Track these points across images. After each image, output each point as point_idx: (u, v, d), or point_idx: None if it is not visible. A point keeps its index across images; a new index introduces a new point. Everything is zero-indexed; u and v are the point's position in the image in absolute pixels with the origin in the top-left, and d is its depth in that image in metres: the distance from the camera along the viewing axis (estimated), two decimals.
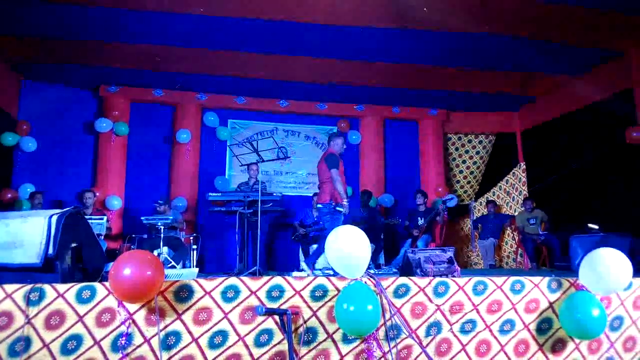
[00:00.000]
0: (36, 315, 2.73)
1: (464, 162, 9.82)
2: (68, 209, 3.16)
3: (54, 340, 2.73)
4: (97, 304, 2.80)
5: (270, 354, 2.95)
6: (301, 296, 3.05)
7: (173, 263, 5.90)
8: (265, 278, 3.05)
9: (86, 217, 5.73)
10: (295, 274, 5.04)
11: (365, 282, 3.11)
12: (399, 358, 3.11)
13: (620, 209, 7.09)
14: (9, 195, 7.22)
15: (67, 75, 7.81)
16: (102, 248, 3.68)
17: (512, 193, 8.99)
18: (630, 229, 5.42)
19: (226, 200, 5.87)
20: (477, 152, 9.77)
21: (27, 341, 2.70)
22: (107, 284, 2.79)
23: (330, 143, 5.58)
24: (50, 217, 3.03)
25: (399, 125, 9.48)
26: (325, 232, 5.01)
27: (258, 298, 2.99)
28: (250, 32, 6.39)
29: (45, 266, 2.95)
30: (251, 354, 2.92)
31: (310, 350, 3.02)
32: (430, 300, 3.24)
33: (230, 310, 2.94)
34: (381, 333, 3.11)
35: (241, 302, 2.96)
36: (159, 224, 6.06)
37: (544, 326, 3.40)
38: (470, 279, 3.34)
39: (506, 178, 9.23)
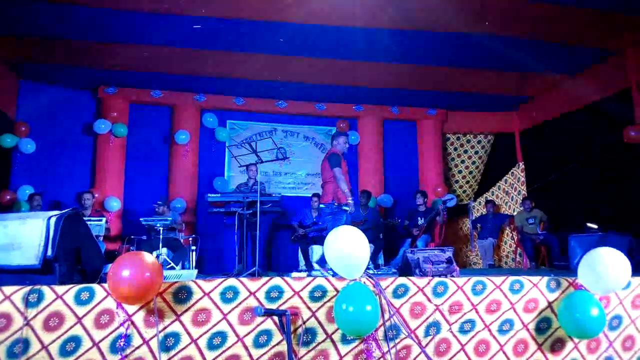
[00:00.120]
0: (35, 316, 2.73)
1: (462, 162, 9.83)
2: (67, 210, 3.16)
3: (52, 341, 2.72)
4: (96, 305, 2.80)
5: (269, 354, 2.95)
6: (300, 297, 3.05)
7: (172, 264, 5.90)
8: (264, 279, 3.05)
9: (85, 218, 5.74)
10: (294, 274, 5.04)
11: (364, 283, 3.11)
12: (398, 358, 3.11)
13: (618, 209, 7.09)
14: (8, 197, 7.21)
15: (66, 76, 7.81)
16: (100, 249, 3.68)
17: (511, 193, 9.00)
18: (629, 228, 5.43)
19: (225, 201, 5.87)
20: (476, 152, 9.78)
21: (26, 343, 2.69)
22: (105, 285, 2.78)
23: (332, 142, 5.58)
24: (49, 218, 3.03)
25: (397, 125, 9.49)
26: (327, 233, 5.00)
27: (257, 299, 2.98)
28: (248, 33, 6.39)
29: (43, 268, 2.95)
30: (250, 355, 2.92)
31: (309, 351, 3.02)
32: (429, 301, 3.24)
33: (230, 311, 2.94)
34: (380, 333, 3.11)
35: (240, 303, 2.96)
36: (158, 225, 6.06)
37: (542, 326, 3.40)
38: (469, 279, 3.34)
39: (505, 178, 9.24)
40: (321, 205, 5.55)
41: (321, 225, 7.30)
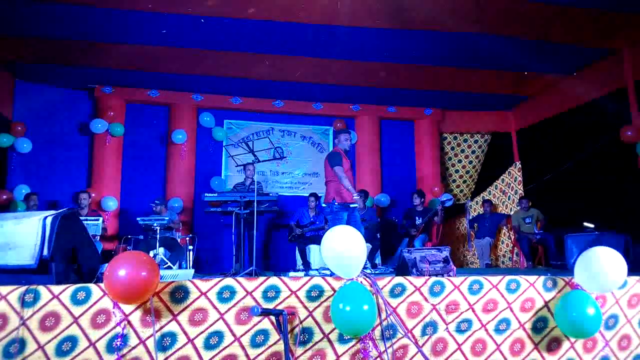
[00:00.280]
0: (31, 316, 2.72)
1: (459, 161, 9.84)
2: (63, 210, 3.15)
3: (49, 341, 2.72)
4: (92, 305, 2.80)
5: (266, 354, 2.95)
6: (297, 296, 3.05)
7: (169, 264, 5.89)
8: (261, 278, 3.05)
9: (81, 218, 5.73)
10: (291, 274, 5.04)
11: (361, 282, 3.11)
12: (394, 358, 3.12)
13: (615, 208, 7.12)
14: (4, 197, 7.18)
15: (63, 75, 7.78)
16: (97, 249, 3.67)
17: (508, 192, 9.02)
18: (625, 227, 5.44)
19: (222, 201, 5.86)
20: (473, 152, 9.79)
21: (22, 343, 2.69)
22: (102, 285, 2.78)
23: (334, 141, 5.59)
24: (45, 218, 3.02)
25: (394, 124, 9.49)
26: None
27: (254, 298, 2.98)
28: (245, 32, 6.38)
29: (40, 267, 2.94)
30: (247, 355, 2.92)
31: (306, 351, 3.02)
32: (426, 300, 3.25)
33: (226, 311, 2.94)
34: (377, 333, 3.11)
35: (237, 302, 2.96)
36: (155, 224, 6.04)
37: (539, 325, 3.41)
38: (465, 279, 3.35)
39: (502, 177, 9.25)
40: (323, 205, 5.55)
41: (318, 224, 7.32)
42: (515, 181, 8.83)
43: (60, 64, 7.32)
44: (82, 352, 2.74)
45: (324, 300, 3.09)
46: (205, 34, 6.43)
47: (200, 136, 8.67)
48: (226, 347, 2.90)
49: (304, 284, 3.08)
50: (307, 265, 6.89)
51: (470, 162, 9.84)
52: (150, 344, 2.80)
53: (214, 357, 2.88)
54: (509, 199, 8.92)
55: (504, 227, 8.69)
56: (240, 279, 3.02)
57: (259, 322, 2.97)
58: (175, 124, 8.40)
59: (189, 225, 8.14)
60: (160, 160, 8.46)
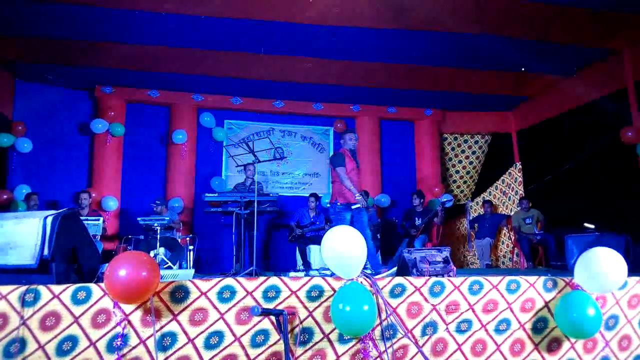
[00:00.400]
0: (31, 316, 2.72)
1: (460, 161, 9.84)
2: (63, 210, 3.15)
3: (49, 341, 2.72)
4: (93, 305, 2.80)
5: (266, 354, 2.95)
6: (297, 296, 3.05)
7: (169, 264, 5.89)
8: (262, 278, 3.05)
9: (82, 218, 5.74)
10: (291, 274, 5.04)
11: (361, 282, 3.11)
12: (395, 358, 3.12)
13: (615, 209, 7.12)
14: (5, 197, 7.19)
15: (63, 75, 7.78)
16: (97, 249, 3.67)
17: (508, 193, 9.02)
18: (626, 228, 5.44)
19: (222, 201, 5.86)
20: (473, 152, 9.80)
21: (22, 342, 2.69)
22: (102, 284, 2.78)
23: (340, 142, 5.60)
24: (46, 218, 3.02)
25: (395, 125, 9.50)
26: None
27: (254, 298, 2.98)
28: (246, 33, 6.39)
29: (40, 267, 2.94)
30: (247, 355, 2.92)
31: (306, 351, 3.02)
32: (426, 300, 3.25)
33: (226, 311, 2.94)
34: (377, 333, 3.11)
35: (237, 302, 2.96)
36: (155, 224, 6.05)
37: (539, 325, 3.41)
38: (466, 279, 3.35)
39: (502, 178, 9.26)
40: (327, 205, 5.55)
41: (318, 225, 7.32)
42: (515, 182, 8.83)
43: (60, 63, 7.33)
44: (82, 351, 2.74)
45: (324, 301, 3.09)
46: (205, 34, 6.44)
47: (200, 136, 8.68)
48: (226, 347, 2.90)
49: (304, 284, 3.08)
50: (307, 266, 6.90)
51: (471, 163, 9.84)
52: (151, 343, 2.81)
53: (214, 357, 2.88)
54: (509, 200, 8.92)
55: (504, 228, 8.69)
56: (240, 279, 3.02)
57: (259, 322, 2.97)
58: (176, 124, 8.41)
59: (190, 225, 8.14)
60: (161, 161, 8.47)
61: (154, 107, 8.55)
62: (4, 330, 2.68)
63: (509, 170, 9.11)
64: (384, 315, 3.13)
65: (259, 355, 2.94)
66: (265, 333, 2.97)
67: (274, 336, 2.98)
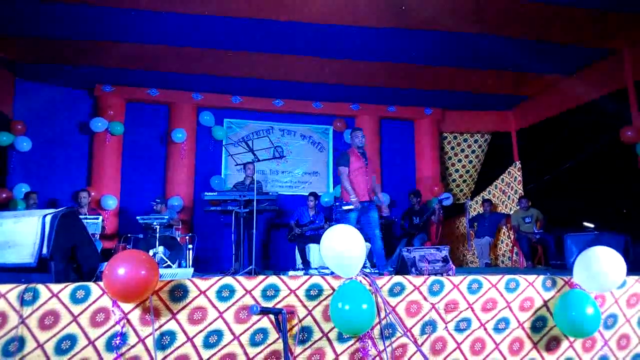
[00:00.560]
0: (30, 315, 2.72)
1: (459, 160, 9.84)
2: (62, 208, 3.15)
3: (48, 340, 2.72)
4: (92, 303, 2.80)
5: (265, 353, 2.95)
6: (296, 295, 3.06)
7: (168, 262, 5.89)
8: (260, 277, 3.05)
9: (81, 216, 5.73)
10: (291, 273, 5.05)
11: (360, 281, 3.11)
12: (394, 357, 3.12)
13: (614, 208, 7.13)
14: (4, 195, 7.19)
15: (62, 74, 7.78)
16: (96, 248, 3.67)
17: (507, 192, 9.02)
18: (625, 227, 5.45)
19: (222, 200, 5.86)
20: (473, 151, 9.80)
21: (21, 341, 2.69)
22: (101, 283, 2.78)
23: (349, 141, 5.59)
24: (45, 217, 3.02)
25: (394, 124, 9.49)
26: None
27: (253, 297, 2.99)
28: (245, 32, 6.38)
29: (39, 266, 2.94)
30: (246, 353, 2.92)
31: (305, 349, 3.02)
32: (425, 299, 3.25)
33: (225, 310, 2.94)
34: (376, 332, 3.11)
35: (236, 301, 2.96)
36: (155, 223, 6.05)
37: (538, 324, 3.41)
38: (465, 278, 3.35)
39: (502, 177, 9.26)
40: (335, 204, 5.54)
41: (318, 224, 7.32)
42: (515, 181, 8.83)
43: (60, 63, 7.32)
44: (81, 350, 2.74)
45: (323, 299, 3.09)
46: (205, 33, 6.43)
47: (200, 135, 8.68)
48: (225, 345, 2.91)
49: (303, 283, 3.08)
50: (306, 264, 6.90)
51: (470, 162, 9.84)
52: (150, 342, 2.81)
53: (213, 355, 2.88)
54: (508, 199, 8.93)
55: (504, 227, 8.69)
56: (239, 277, 3.02)
57: (258, 320, 2.97)
58: (175, 123, 8.41)
59: (189, 224, 8.14)
60: (160, 159, 8.46)
61: (153, 106, 8.55)
62: (2, 329, 2.68)
63: (508, 170, 9.11)
64: (383, 314, 3.13)
65: (258, 354, 2.94)
66: (264, 332, 2.97)
67: (273, 335, 2.98)
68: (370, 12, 5.91)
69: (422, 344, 3.19)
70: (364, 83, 8.20)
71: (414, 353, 3.16)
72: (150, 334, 2.81)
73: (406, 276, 3.32)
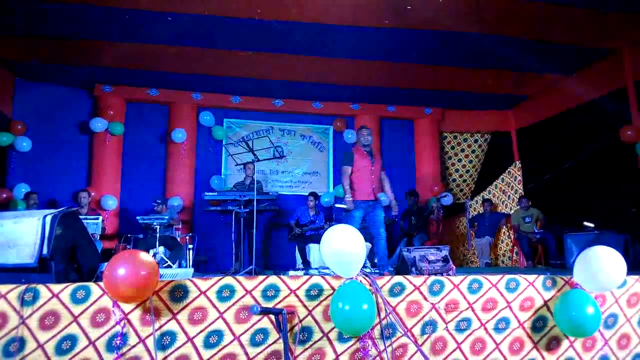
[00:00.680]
0: (30, 315, 2.72)
1: (459, 160, 9.84)
2: (62, 209, 3.15)
3: (48, 340, 2.72)
4: (92, 304, 2.80)
5: (265, 353, 2.96)
6: (296, 295, 3.06)
7: (169, 263, 5.89)
8: (261, 277, 3.05)
9: (81, 217, 5.72)
10: (291, 273, 5.05)
11: (361, 281, 3.11)
12: (394, 357, 3.12)
13: (614, 207, 7.13)
14: (4, 196, 7.18)
15: (62, 74, 7.77)
16: (96, 248, 3.68)
17: (507, 191, 9.02)
18: (625, 227, 5.45)
19: (222, 200, 5.86)
20: (473, 151, 9.79)
21: (22, 341, 2.69)
22: (101, 284, 2.78)
23: (354, 139, 5.55)
24: (45, 217, 3.02)
25: (394, 124, 9.49)
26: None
27: (253, 297, 2.99)
28: (245, 32, 6.38)
29: (39, 266, 2.94)
30: (246, 354, 2.93)
31: (305, 349, 3.02)
32: (426, 299, 3.25)
33: (226, 310, 2.94)
34: (376, 332, 3.11)
35: (236, 301, 2.96)
36: (155, 223, 6.05)
37: (538, 324, 3.42)
38: (465, 278, 3.35)
39: (502, 176, 9.26)
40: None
41: (318, 224, 7.32)
42: (515, 180, 8.83)
43: (60, 62, 7.32)
44: (81, 350, 2.74)
45: (324, 299, 3.09)
46: (205, 32, 6.43)
47: (200, 135, 8.68)
48: (225, 345, 2.91)
49: (303, 283, 3.08)
50: (306, 264, 6.90)
51: (470, 162, 9.84)
52: (150, 342, 2.81)
53: (213, 355, 2.89)
54: (508, 198, 8.92)
55: (504, 227, 8.69)
56: (239, 277, 3.02)
57: (259, 321, 2.97)
58: (175, 123, 8.40)
59: (189, 224, 8.14)
60: (160, 160, 8.46)
61: (153, 105, 8.54)
62: (3, 329, 2.68)
63: (508, 169, 9.10)
64: (383, 314, 3.13)
65: (258, 354, 2.94)
66: (264, 332, 2.97)
67: (274, 335, 2.98)
68: (370, 12, 5.91)
69: (423, 344, 3.19)
70: (364, 83, 8.20)
71: (415, 353, 3.16)
72: (150, 334, 2.81)
73: (406, 276, 3.32)
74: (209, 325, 2.91)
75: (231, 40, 6.63)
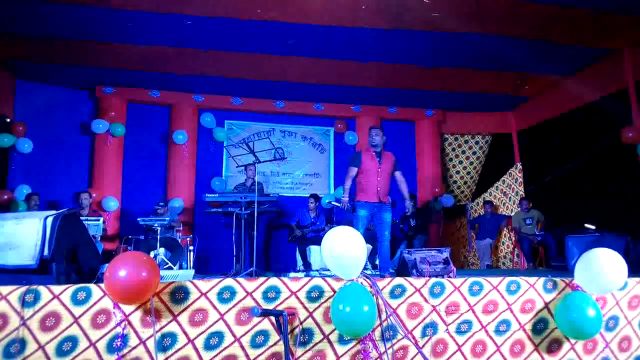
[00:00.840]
0: (31, 316, 2.73)
1: (460, 162, 9.84)
2: (63, 210, 3.16)
3: (49, 341, 2.72)
4: (93, 305, 2.80)
5: (266, 355, 2.95)
6: (297, 297, 3.05)
7: (170, 264, 5.89)
8: (261, 279, 3.05)
9: (82, 218, 5.73)
10: (292, 275, 5.04)
11: (361, 283, 3.11)
12: (395, 359, 3.12)
13: (615, 209, 7.11)
14: (5, 197, 7.19)
15: (63, 75, 7.79)
16: (97, 249, 3.68)
17: (508, 193, 9.01)
18: (626, 229, 5.44)
19: (223, 202, 5.85)
20: (474, 153, 9.79)
21: (22, 343, 2.69)
22: (102, 285, 2.78)
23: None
24: (46, 218, 3.02)
25: (395, 125, 9.48)
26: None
27: (254, 299, 2.99)
28: (246, 33, 6.39)
29: (40, 268, 2.95)
30: (247, 355, 2.92)
31: (306, 351, 3.02)
32: (426, 301, 3.25)
33: (226, 312, 2.94)
34: (377, 334, 3.11)
35: (237, 303, 2.96)
36: (156, 225, 6.05)
37: (539, 326, 3.41)
38: (466, 280, 3.35)
39: (503, 178, 9.25)
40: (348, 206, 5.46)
41: (319, 225, 7.32)
42: (516, 182, 8.83)
43: (61, 63, 7.33)
44: (82, 352, 2.74)
45: (324, 301, 3.09)
46: (206, 34, 6.44)
47: (201, 137, 8.69)
48: (226, 347, 2.91)
49: (304, 285, 3.08)
50: (307, 266, 6.90)
51: (471, 163, 9.84)
52: (151, 344, 2.81)
53: (214, 357, 2.88)
54: (509, 200, 8.92)
55: (505, 228, 8.69)
56: (240, 279, 3.02)
57: (259, 322, 2.97)
58: (176, 125, 8.42)
59: (190, 225, 8.14)
60: (161, 161, 8.47)
61: (154, 107, 8.55)
62: (4, 330, 2.69)
63: (509, 171, 9.10)
64: (384, 316, 3.13)
65: (258, 356, 2.94)
66: (265, 334, 2.97)
67: (274, 337, 2.98)
68: (371, 13, 5.91)
69: (423, 346, 3.19)
70: (364, 84, 8.20)
71: (415, 355, 3.16)
72: (151, 336, 2.81)
73: (407, 278, 3.32)
74: (210, 326, 2.90)
75: (232, 41, 6.64)
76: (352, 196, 5.25)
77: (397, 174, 5.34)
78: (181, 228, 7.33)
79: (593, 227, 6.94)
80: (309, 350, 3.02)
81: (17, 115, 7.65)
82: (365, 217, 5.11)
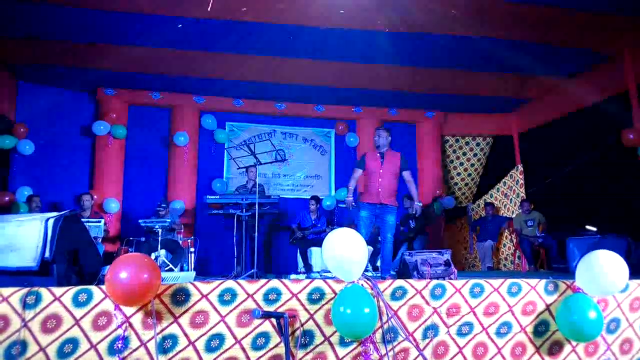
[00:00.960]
0: (32, 318, 2.73)
1: (461, 164, 9.84)
2: (64, 212, 3.16)
3: (50, 343, 2.72)
4: (94, 307, 2.80)
5: (267, 357, 2.95)
6: (298, 299, 3.05)
7: (171, 266, 5.89)
8: (262, 281, 3.05)
9: (84, 220, 5.74)
10: (293, 276, 5.05)
11: (362, 285, 3.11)
12: None
13: (616, 211, 7.11)
14: (6, 199, 7.19)
15: (65, 77, 7.80)
16: (98, 251, 3.68)
17: (509, 195, 9.01)
18: (627, 230, 5.43)
19: (224, 203, 5.86)
20: (475, 154, 9.79)
21: (24, 345, 2.69)
22: (103, 287, 2.79)
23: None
24: (47, 220, 3.03)
25: (396, 127, 9.37)
26: None
27: (255, 301, 2.99)
28: (248, 35, 6.39)
29: (41, 269, 2.95)
30: (248, 357, 2.92)
31: (307, 354, 3.02)
32: (427, 303, 3.25)
33: (227, 314, 2.94)
34: (378, 336, 3.11)
35: (238, 305, 2.96)
36: (157, 226, 6.05)
37: (540, 329, 3.41)
38: (467, 282, 3.35)
39: (504, 180, 9.25)
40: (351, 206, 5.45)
41: (320, 227, 7.32)
42: (517, 184, 8.83)
43: (62, 65, 7.34)
44: (83, 354, 2.74)
45: (325, 303, 3.09)
46: (207, 36, 6.44)
47: (202, 138, 8.69)
48: (227, 349, 2.90)
49: (305, 287, 3.08)
50: (308, 268, 6.90)
51: (472, 165, 9.84)
52: (152, 346, 2.81)
53: (214, 359, 2.88)
54: (510, 202, 8.92)
55: (506, 230, 8.68)
56: (241, 281, 3.03)
57: (260, 324, 2.97)
58: (177, 126, 8.42)
59: (191, 227, 8.14)
60: (162, 163, 8.47)
61: (155, 109, 8.56)
62: (5, 332, 2.69)
63: (510, 173, 9.10)
64: (385, 318, 3.12)
65: (259, 358, 2.94)
66: (266, 336, 2.97)
67: (275, 339, 2.98)
68: (372, 15, 5.91)
69: (424, 348, 3.19)
70: (365, 86, 8.20)
71: (416, 357, 3.16)
72: (152, 338, 2.81)
73: (408, 280, 3.32)
74: (211, 329, 2.91)
75: (233, 43, 6.65)
76: (356, 197, 5.28)
77: (405, 173, 5.32)
78: (182, 231, 7.33)
79: (594, 229, 6.94)
80: (309, 352, 3.02)
81: (19, 117, 7.66)
82: (367, 218, 5.11)
